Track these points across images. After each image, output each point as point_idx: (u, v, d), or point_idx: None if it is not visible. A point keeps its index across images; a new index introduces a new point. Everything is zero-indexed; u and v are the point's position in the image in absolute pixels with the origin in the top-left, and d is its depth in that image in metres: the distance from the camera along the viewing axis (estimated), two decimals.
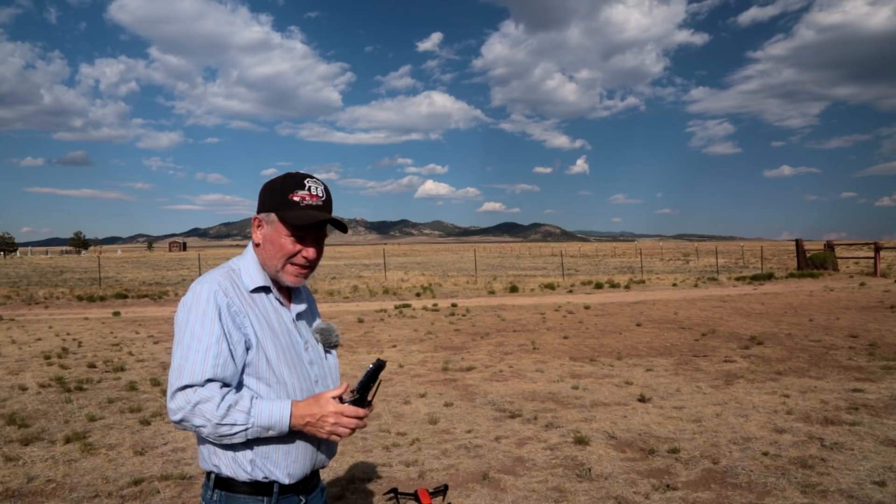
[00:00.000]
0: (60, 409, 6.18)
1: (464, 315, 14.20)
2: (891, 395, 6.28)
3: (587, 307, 15.61)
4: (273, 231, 1.64)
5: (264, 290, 1.67)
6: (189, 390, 1.48)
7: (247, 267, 1.67)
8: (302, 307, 1.76)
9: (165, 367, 8.37)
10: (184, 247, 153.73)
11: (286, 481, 1.61)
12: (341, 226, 1.69)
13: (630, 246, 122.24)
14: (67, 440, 5.14)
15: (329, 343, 1.78)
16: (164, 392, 6.87)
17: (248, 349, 1.58)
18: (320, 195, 1.65)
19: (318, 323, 1.82)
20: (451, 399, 6.51)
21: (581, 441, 5.01)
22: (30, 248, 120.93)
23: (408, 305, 16.46)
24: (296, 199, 1.62)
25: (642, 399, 6.35)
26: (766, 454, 4.63)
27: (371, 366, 1.65)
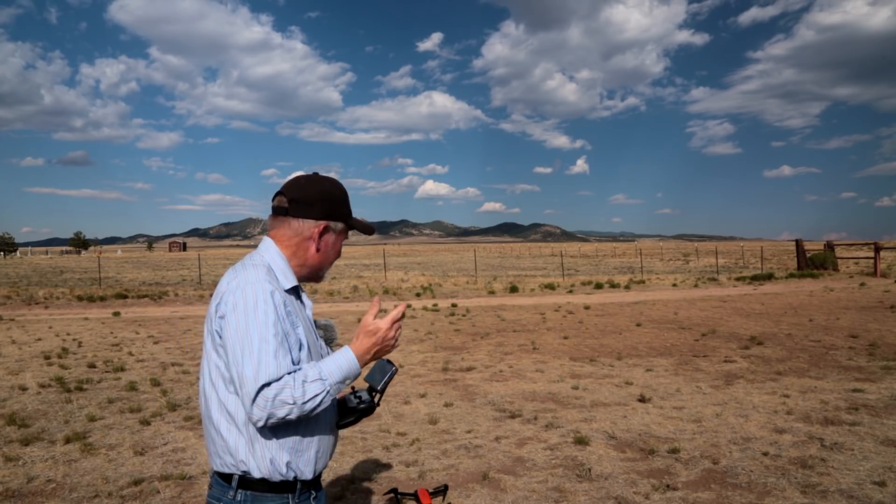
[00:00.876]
0: (60, 409, 6.18)
1: (464, 315, 14.20)
2: (891, 395, 6.28)
3: (587, 307, 15.61)
4: (336, 238, 1.77)
5: (295, 289, 1.73)
6: (266, 388, 1.48)
7: (279, 267, 1.70)
8: (311, 302, 1.83)
9: (165, 367, 8.38)
10: (184, 247, 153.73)
11: (310, 477, 1.66)
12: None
13: (630, 246, 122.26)
14: (67, 440, 5.14)
15: (329, 339, 1.85)
16: (164, 392, 6.88)
17: (300, 349, 1.62)
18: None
19: (319, 320, 1.88)
20: (451, 399, 6.51)
21: (581, 441, 5.01)
22: (30, 248, 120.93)
23: (408, 305, 16.46)
24: (349, 209, 1.79)
25: (642, 399, 6.35)
26: (766, 454, 4.63)
27: (393, 368, 1.74)
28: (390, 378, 1.72)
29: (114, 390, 7.04)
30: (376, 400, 1.72)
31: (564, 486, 4.16)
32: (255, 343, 1.51)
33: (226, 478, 1.63)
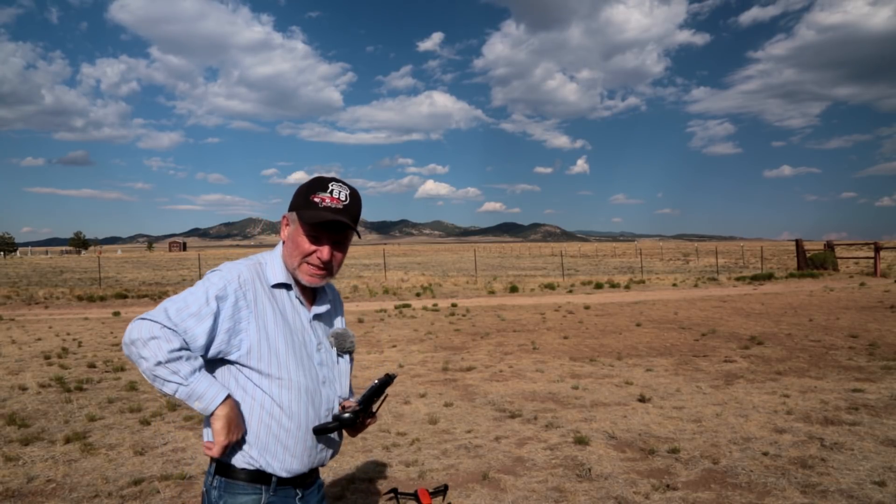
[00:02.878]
0: (60, 409, 6.18)
1: (464, 315, 14.20)
2: (891, 395, 6.28)
3: (587, 307, 15.61)
4: (294, 230, 1.72)
5: (285, 286, 1.73)
6: (156, 325, 1.52)
7: (272, 262, 1.75)
8: (322, 309, 1.81)
9: None
10: (184, 247, 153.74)
11: (283, 475, 1.67)
12: (356, 233, 1.78)
13: (630, 246, 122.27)
14: (67, 440, 5.14)
15: (343, 348, 1.82)
16: (164, 393, 6.88)
17: (238, 346, 1.62)
18: (342, 199, 1.70)
19: (335, 327, 1.87)
20: (451, 399, 6.51)
21: (581, 441, 5.01)
22: (30, 248, 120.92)
23: (408, 305, 16.46)
24: (316, 200, 1.68)
25: (642, 399, 6.35)
26: (766, 454, 4.63)
27: (376, 381, 1.75)
28: (374, 393, 1.73)
29: (114, 390, 7.04)
30: (352, 412, 1.71)
31: (564, 485, 4.15)
32: (181, 296, 1.59)
33: (211, 462, 1.70)
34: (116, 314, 15.22)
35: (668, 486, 4.10)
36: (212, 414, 1.57)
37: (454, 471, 4.45)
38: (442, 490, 3.88)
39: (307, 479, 1.76)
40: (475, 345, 10.06)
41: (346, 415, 1.71)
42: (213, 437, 1.59)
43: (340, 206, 1.69)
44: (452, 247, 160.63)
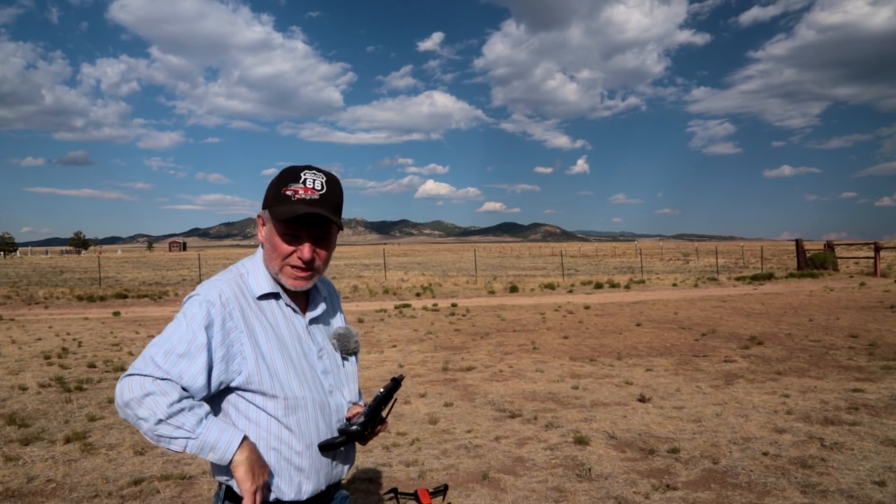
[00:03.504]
0: (60, 409, 6.18)
1: (464, 315, 14.20)
2: (891, 395, 6.28)
3: (587, 307, 15.61)
4: (270, 230, 1.53)
5: (273, 296, 1.57)
6: (147, 379, 1.37)
7: (255, 271, 1.57)
8: (318, 312, 1.65)
9: None
10: (184, 247, 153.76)
11: (293, 497, 1.54)
12: (339, 225, 1.56)
13: (630, 246, 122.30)
14: (67, 440, 5.14)
15: (347, 349, 1.69)
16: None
17: (238, 370, 1.48)
18: (317, 188, 1.50)
19: (337, 327, 1.72)
20: (451, 399, 6.51)
21: (581, 441, 5.01)
22: (30, 248, 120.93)
23: (408, 305, 16.46)
24: (288, 192, 1.48)
25: (642, 399, 6.35)
26: (766, 454, 4.63)
27: (381, 390, 1.63)
28: (381, 402, 1.60)
29: (114, 390, 7.03)
30: (358, 424, 1.58)
31: (564, 485, 4.15)
32: (164, 335, 1.43)
33: (220, 486, 1.58)
34: (116, 314, 15.22)
35: (668, 486, 4.10)
36: (230, 462, 1.42)
37: (454, 471, 4.45)
38: (442, 490, 3.88)
39: (325, 497, 1.62)
40: (475, 345, 10.05)
41: (354, 427, 1.57)
42: (240, 487, 1.43)
43: (316, 197, 1.49)
44: (452, 247, 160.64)
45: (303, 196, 1.48)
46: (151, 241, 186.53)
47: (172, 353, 1.40)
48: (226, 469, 1.47)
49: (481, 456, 4.75)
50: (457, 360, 8.75)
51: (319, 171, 1.55)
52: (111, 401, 6.51)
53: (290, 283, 1.55)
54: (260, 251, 1.61)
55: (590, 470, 4.38)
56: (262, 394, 1.50)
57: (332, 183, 1.54)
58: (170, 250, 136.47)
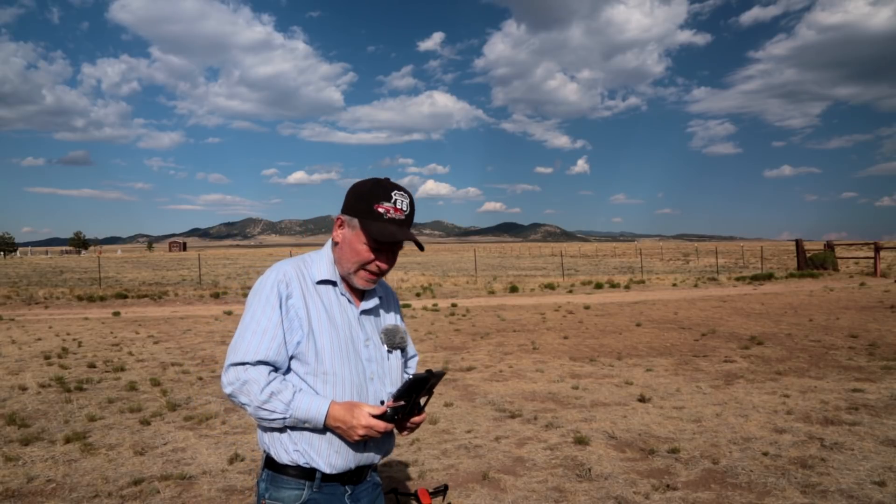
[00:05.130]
0: (60, 409, 6.18)
1: (464, 315, 14.20)
2: (891, 395, 6.28)
3: (587, 307, 15.61)
4: (353, 235, 1.68)
5: (331, 283, 1.73)
6: (240, 367, 1.60)
7: (319, 261, 1.74)
8: (370, 305, 1.79)
9: (165, 367, 8.38)
10: (184, 247, 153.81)
11: (327, 470, 1.66)
12: (419, 245, 1.77)
13: (630, 246, 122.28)
14: (67, 440, 5.14)
15: (393, 344, 1.81)
16: (164, 392, 6.88)
17: (298, 341, 1.65)
18: (404, 209, 1.67)
19: (386, 323, 1.84)
20: (451, 399, 6.51)
21: (581, 441, 5.01)
22: (30, 248, 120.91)
23: (408, 305, 16.46)
24: (380, 210, 1.64)
25: (642, 399, 6.35)
26: (766, 454, 4.63)
27: (410, 376, 1.71)
28: (411, 391, 1.64)
29: (114, 390, 7.04)
30: (398, 415, 1.66)
31: (564, 486, 4.15)
32: (245, 319, 1.64)
33: (263, 453, 1.74)
34: (116, 314, 15.22)
35: (668, 486, 4.10)
36: (325, 426, 1.62)
37: (454, 471, 4.45)
38: (442, 490, 3.88)
39: (356, 476, 1.74)
40: (475, 345, 10.06)
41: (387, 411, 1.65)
42: (350, 438, 1.62)
43: (403, 217, 1.67)
44: (452, 247, 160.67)
45: (393, 216, 1.65)
46: (151, 241, 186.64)
47: (260, 337, 1.61)
48: (264, 439, 1.68)
49: (481, 456, 4.75)
50: (457, 360, 8.75)
51: (404, 190, 1.70)
52: (111, 401, 6.51)
53: (361, 284, 1.72)
54: (328, 247, 1.77)
55: (590, 470, 4.38)
56: (307, 364, 1.65)
57: (413, 204, 1.72)
58: (170, 250, 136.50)
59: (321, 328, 1.66)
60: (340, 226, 1.72)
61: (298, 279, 1.68)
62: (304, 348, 1.64)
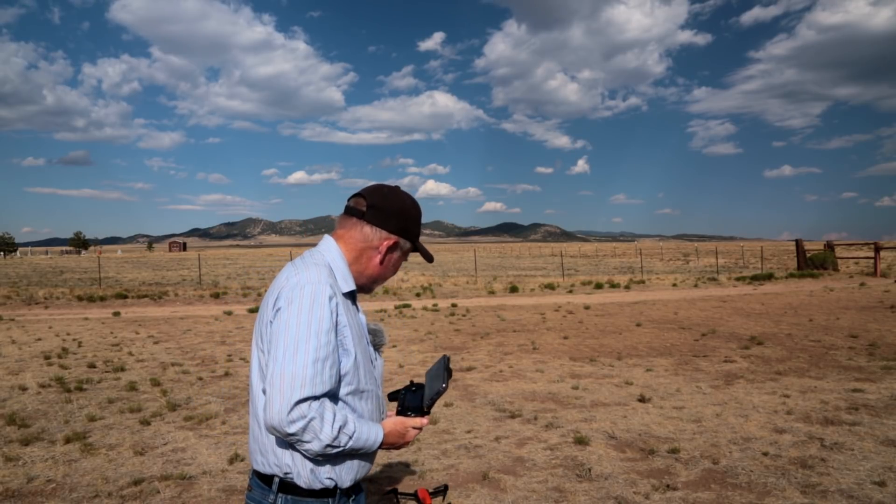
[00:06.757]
0: (60, 409, 6.18)
1: (464, 315, 14.20)
2: (891, 395, 6.28)
3: (587, 307, 15.61)
4: (400, 256, 1.72)
5: (352, 294, 1.68)
6: (305, 404, 1.42)
7: (340, 269, 1.64)
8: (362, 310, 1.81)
9: (165, 367, 8.38)
10: (184, 247, 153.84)
11: (349, 484, 1.62)
12: (429, 258, 1.87)
13: (630, 246, 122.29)
14: (67, 440, 5.14)
15: (377, 344, 1.77)
16: (164, 392, 6.87)
17: (343, 362, 1.56)
18: None
19: (368, 322, 1.81)
20: (450, 399, 6.51)
21: (581, 441, 5.01)
22: (30, 248, 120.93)
23: (408, 305, 16.46)
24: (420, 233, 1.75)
25: (642, 399, 6.35)
26: (766, 454, 4.63)
27: (434, 367, 1.75)
28: (437, 396, 1.64)
29: (114, 390, 7.04)
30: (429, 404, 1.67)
31: (564, 486, 4.15)
32: (302, 346, 1.44)
33: (266, 479, 1.59)
34: (116, 314, 15.22)
35: (668, 486, 4.10)
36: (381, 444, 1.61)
37: (454, 471, 4.45)
38: (442, 490, 3.88)
39: (359, 486, 1.71)
40: (475, 345, 10.06)
41: (425, 404, 1.65)
42: (399, 448, 1.66)
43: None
44: (452, 247, 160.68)
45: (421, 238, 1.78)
46: (151, 242, 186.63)
47: (319, 362, 1.45)
48: (282, 462, 1.54)
49: (481, 456, 4.75)
50: (457, 360, 8.75)
51: None
52: (111, 401, 6.51)
53: (370, 290, 1.76)
54: (337, 252, 1.67)
55: (590, 470, 4.38)
56: (349, 384, 1.57)
57: None
58: (170, 250, 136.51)
59: (355, 344, 1.58)
60: (393, 247, 1.68)
61: (337, 293, 1.57)
62: (350, 368, 1.56)
